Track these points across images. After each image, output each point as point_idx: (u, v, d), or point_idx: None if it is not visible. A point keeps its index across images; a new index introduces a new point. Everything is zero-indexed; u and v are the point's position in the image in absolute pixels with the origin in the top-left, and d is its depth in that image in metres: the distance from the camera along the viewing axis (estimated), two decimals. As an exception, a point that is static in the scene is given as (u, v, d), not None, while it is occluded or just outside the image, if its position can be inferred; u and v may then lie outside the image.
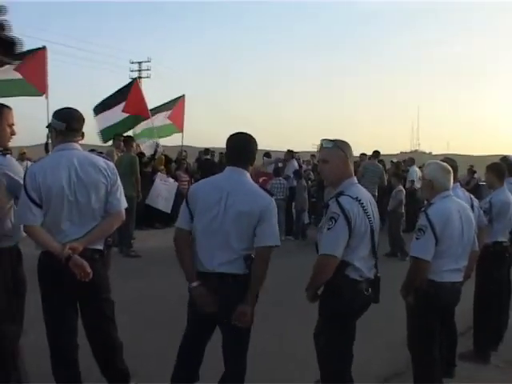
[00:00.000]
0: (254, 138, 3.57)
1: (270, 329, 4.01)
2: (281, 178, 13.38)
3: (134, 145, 10.91)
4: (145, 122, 13.65)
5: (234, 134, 3.58)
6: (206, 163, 15.39)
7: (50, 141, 3.95)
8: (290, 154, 15.34)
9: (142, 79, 55.72)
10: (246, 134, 3.59)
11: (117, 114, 12.80)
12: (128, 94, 12.99)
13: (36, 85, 11.59)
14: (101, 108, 12.95)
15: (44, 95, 11.51)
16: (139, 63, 55.57)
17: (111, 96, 13.21)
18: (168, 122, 15.01)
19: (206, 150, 16.58)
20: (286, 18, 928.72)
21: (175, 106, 15.15)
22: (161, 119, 14.85)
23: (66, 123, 3.70)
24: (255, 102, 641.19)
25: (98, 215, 3.73)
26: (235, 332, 3.44)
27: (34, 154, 17.17)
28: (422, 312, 4.11)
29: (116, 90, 13.46)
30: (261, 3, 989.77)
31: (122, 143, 10.94)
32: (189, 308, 3.57)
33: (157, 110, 14.83)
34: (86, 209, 3.66)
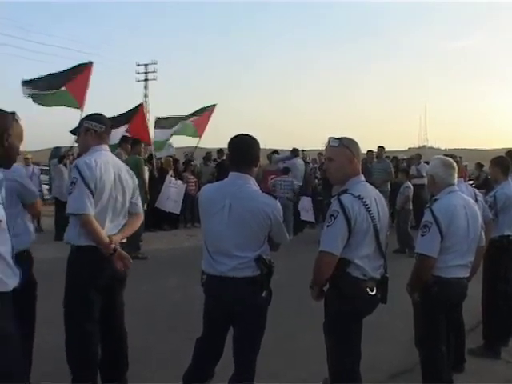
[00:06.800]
0: (255, 140, 3.57)
1: (275, 327, 4.02)
2: (287, 176, 13.18)
3: (142, 148, 10.96)
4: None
5: (235, 137, 3.58)
6: (223, 165, 14.96)
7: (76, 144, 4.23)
8: (295, 152, 14.97)
9: (149, 81, 56.20)
10: (247, 136, 3.58)
11: (119, 135, 12.43)
12: (133, 117, 13.03)
13: (77, 98, 12.09)
14: None
15: (80, 108, 11.91)
16: (145, 65, 55.79)
17: (116, 117, 13.20)
18: (191, 123, 15.07)
19: (220, 151, 16.11)
20: (294, 15, 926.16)
21: (205, 112, 15.23)
22: (187, 120, 15.08)
23: (105, 126, 4.02)
24: (265, 101, 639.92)
25: (126, 214, 4.03)
26: (249, 332, 3.48)
27: (36, 159, 17.55)
28: (428, 308, 4.10)
29: (119, 111, 13.49)
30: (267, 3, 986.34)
31: (130, 146, 10.95)
32: (204, 310, 3.59)
33: (188, 117, 15.09)
34: (120, 207, 3.97)
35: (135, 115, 13.05)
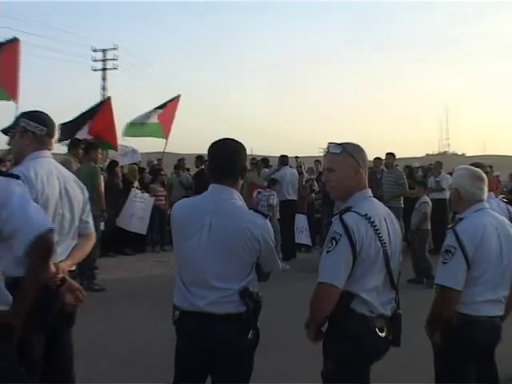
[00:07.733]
0: (241, 146, 3.57)
1: (263, 372, 4.02)
2: (268, 190, 12.91)
3: (99, 154, 10.82)
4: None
5: (217, 143, 3.56)
6: (202, 175, 14.74)
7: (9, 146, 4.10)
8: (283, 160, 14.36)
9: (108, 71, 56.03)
10: (232, 141, 3.58)
11: (83, 137, 12.23)
12: (96, 113, 12.82)
13: (6, 87, 11.48)
14: (67, 131, 12.50)
15: (14, 100, 11.42)
16: (103, 51, 55.52)
17: (79, 116, 13.00)
18: (156, 120, 15.03)
19: (199, 158, 15.67)
20: (286, 8, 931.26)
21: (168, 105, 15.13)
22: (152, 118, 14.95)
23: (47, 128, 3.94)
24: (252, 98, 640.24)
25: (76, 235, 3.99)
26: (231, 381, 3.44)
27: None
28: (452, 353, 4.07)
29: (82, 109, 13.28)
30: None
31: (82, 151, 10.82)
32: (176, 353, 3.55)
33: (151, 112, 15.12)
34: (69, 226, 3.92)
35: (100, 111, 12.84)
